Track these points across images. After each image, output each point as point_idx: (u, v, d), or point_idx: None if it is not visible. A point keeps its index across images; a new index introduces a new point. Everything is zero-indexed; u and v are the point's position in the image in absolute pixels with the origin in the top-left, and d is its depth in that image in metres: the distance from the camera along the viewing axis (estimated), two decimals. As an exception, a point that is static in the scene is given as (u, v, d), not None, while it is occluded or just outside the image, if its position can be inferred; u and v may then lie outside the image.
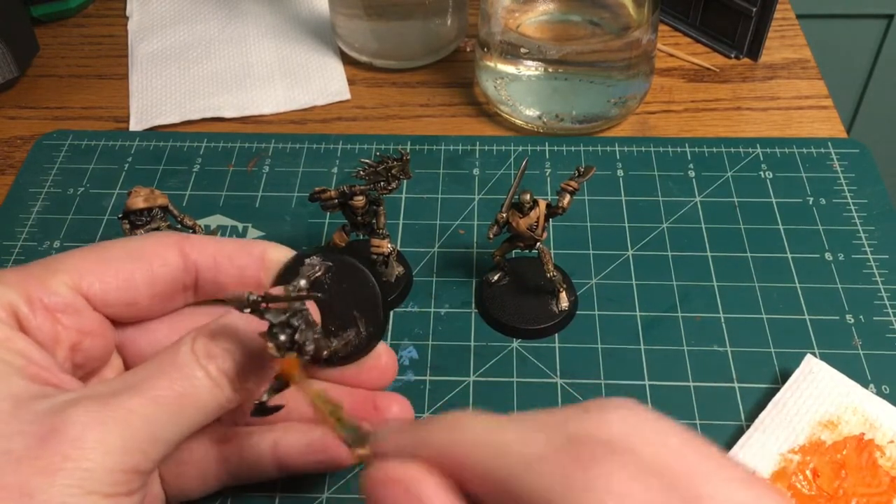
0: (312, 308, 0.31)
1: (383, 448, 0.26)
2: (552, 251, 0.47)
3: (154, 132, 0.57)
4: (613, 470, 0.20)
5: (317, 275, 0.33)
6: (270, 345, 0.28)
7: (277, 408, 0.30)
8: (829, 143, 0.54)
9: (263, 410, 0.30)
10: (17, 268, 0.30)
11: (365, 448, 0.27)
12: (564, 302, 0.44)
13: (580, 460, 0.21)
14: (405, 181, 0.43)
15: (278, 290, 0.30)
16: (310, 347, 0.29)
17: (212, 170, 0.53)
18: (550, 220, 0.42)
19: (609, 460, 0.20)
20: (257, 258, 0.33)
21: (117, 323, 0.32)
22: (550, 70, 0.53)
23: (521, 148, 0.54)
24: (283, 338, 0.28)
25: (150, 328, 0.33)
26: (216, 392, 0.29)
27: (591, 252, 0.48)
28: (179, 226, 0.44)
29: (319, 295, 0.32)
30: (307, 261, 0.33)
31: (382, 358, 0.35)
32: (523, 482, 0.21)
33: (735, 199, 0.51)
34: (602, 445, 0.21)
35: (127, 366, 0.34)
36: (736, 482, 0.21)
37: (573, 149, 0.54)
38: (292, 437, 0.34)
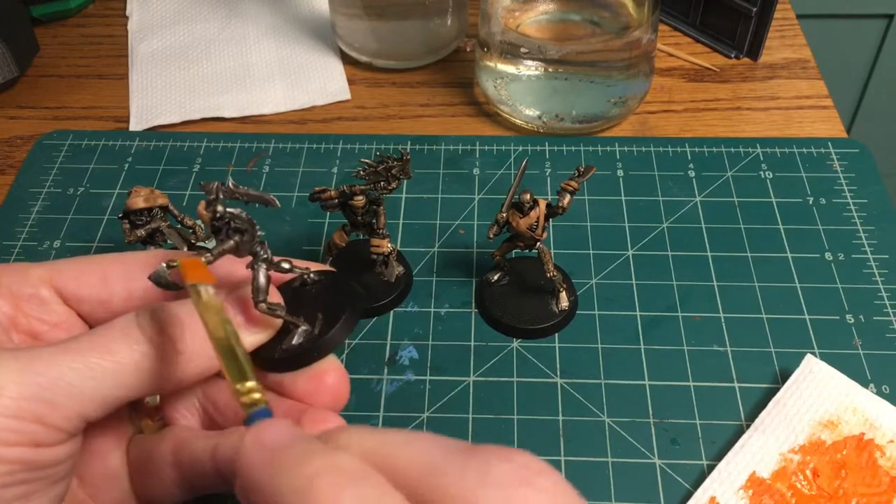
0: (274, 293, 0.31)
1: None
2: (552, 251, 0.47)
3: (154, 132, 0.57)
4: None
5: (309, 276, 0.33)
6: (201, 209, 0.28)
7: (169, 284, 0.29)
8: (829, 143, 0.54)
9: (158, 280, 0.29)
10: (9, 263, 0.31)
11: (250, 390, 0.25)
12: (564, 302, 0.44)
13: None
14: (405, 181, 0.43)
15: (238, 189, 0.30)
16: (232, 239, 0.28)
17: (212, 170, 0.53)
18: (550, 219, 0.42)
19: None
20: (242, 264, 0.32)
21: (91, 320, 0.32)
22: (550, 70, 0.53)
23: (521, 148, 0.54)
24: (218, 209, 0.28)
25: None
26: (142, 362, 0.28)
27: (591, 252, 0.48)
28: (179, 226, 0.44)
29: (278, 204, 0.31)
30: (311, 276, 0.33)
31: (329, 375, 0.31)
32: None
33: (735, 199, 0.51)
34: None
35: None
36: None
37: (573, 149, 0.54)
38: (231, 440, 0.30)
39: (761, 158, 0.53)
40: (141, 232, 0.42)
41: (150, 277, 0.29)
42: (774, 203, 0.50)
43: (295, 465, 0.22)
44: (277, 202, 0.30)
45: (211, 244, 0.48)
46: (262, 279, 0.30)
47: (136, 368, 0.28)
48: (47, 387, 0.26)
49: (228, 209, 0.28)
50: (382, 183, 0.41)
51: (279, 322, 0.31)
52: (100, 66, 0.63)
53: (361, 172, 0.41)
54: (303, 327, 0.31)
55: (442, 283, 0.46)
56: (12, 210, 0.51)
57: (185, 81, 0.61)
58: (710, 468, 0.38)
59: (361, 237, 0.45)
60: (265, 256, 0.30)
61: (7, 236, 0.49)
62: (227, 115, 0.58)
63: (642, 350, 0.43)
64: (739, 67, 0.61)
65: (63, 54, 0.64)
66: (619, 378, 0.42)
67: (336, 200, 0.42)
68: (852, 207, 0.50)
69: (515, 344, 0.44)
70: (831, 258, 0.47)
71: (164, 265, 0.29)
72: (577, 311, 0.45)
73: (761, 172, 0.52)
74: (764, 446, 0.38)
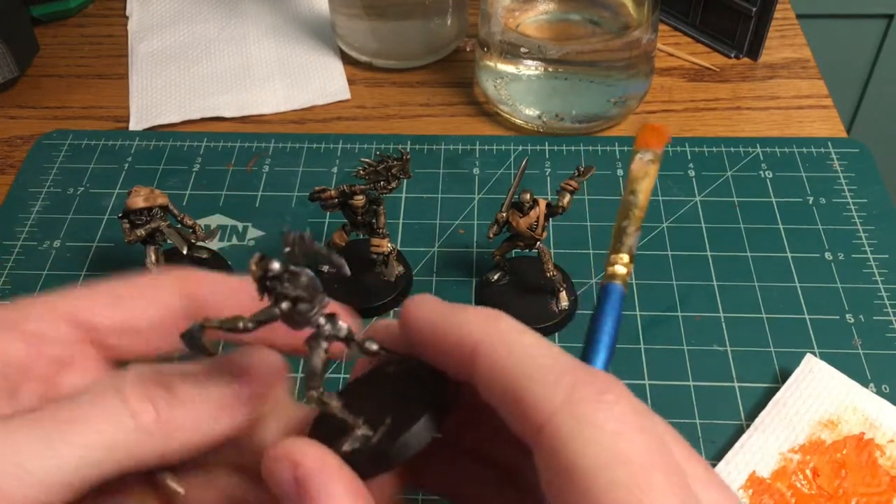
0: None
1: (414, 316, 0.24)
2: (552, 251, 0.47)
3: (154, 132, 0.57)
4: (619, 400, 0.21)
5: (395, 364, 0.27)
6: (253, 264, 0.23)
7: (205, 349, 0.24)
8: (829, 143, 0.54)
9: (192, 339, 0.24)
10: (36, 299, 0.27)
11: (618, 262, 0.26)
12: (564, 301, 0.44)
13: (590, 382, 0.21)
14: (405, 181, 0.43)
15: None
16: (277, 307, 0.23)
17: (212, 169, 0.53)
18: (550, 219, 0.42)
19: (616, 394, 0.21)
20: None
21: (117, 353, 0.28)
22: (550, 70, 0.53)
23: (520, 147, 0.54)
24: (274, 267, 0.23)
25: None
26: (143, 440, 0.23)
27: (591, 252, 0.48)
28: (179, 225, 0.44)
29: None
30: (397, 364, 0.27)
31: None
32: (529, 383, 0.22)
33: (735, 199, 0.51)
34: (613, 383, 0.22)
35: None
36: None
37: (573, 148, 0.54)
38: (201, 493, 0.26)
39: (761, 158, 0.53)
40: (141, 231, 0.42)
41: (182, 337, 0.24)
42: (774, 203, 0.50)
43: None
44: (346, 268, 0.24)
45: (211, 244, 0.48)
46: (316, 361, 0.24)
47: (109, 445, 0.23)
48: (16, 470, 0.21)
49: (292, 267, 0.23)
50: (382, 183, 0.41)
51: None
52: (100, 66, 0.63)
53: (361, 172, 0.41)
54: (360, 431, 0.24)
55: (442, 283, 0.46)
56: (12, 210, 0.51)
57: (185, 81, 0.61)
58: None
59: (361, 237, 0.45)
60: (334, 333, 0.24)
61: (7, 236, 0.49)
62: (226, 114, 0.58)
63: (642, 350, 0.43)
64: (739, 67, 0.61)
65: (63, 54, 0.64)
66: (619, 378, 0.42)
67: (336, 200, 0.42)
68: (852, 207, 0.50)
69: (515, 344, 0.44)
70: (831, 258, 0.47)
71: (199, 324, 0.24)
72: (577, 311, 0.45)
73: (761, 172, 0.52)
74: (764, 446, 0.38)
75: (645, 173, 0.28)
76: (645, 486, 0.19)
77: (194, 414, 0.24)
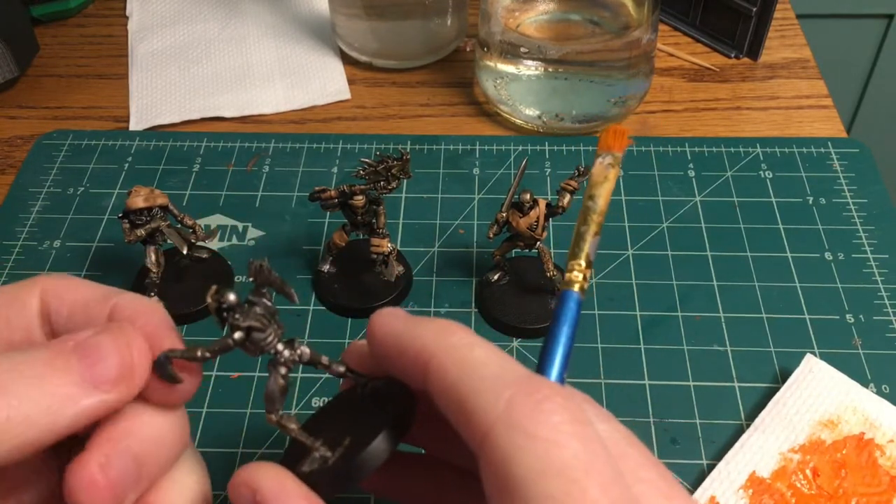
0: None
1: (378, 330, 0.25)
2: (552, 251, 0.47)
3: (154, 132, 0.57)
4: (557, 409, 0.21)
5: (365, 386, 0.27)
6: (210, 297, 0.24)
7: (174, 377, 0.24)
8: (829, 143, 0.54)
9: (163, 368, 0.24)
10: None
11: (576, 269, 0.26)
12: (564, 301, 0.44)
13: (530, 393, 0.21)
14: (405, 181, 0.43)
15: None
16: (231, 336, 0.24)
17: (212, 169, 0.53)
18: (550, 219, 0.42)
19: (556, 402, 0.21)
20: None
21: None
22: (550, 70, 0.53)
23: (520, 147, 0.54)
24: (229, 298, 0.23)
25: None
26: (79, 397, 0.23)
27: (591, 252, 0.48)
28: (179, 225, 0.44)
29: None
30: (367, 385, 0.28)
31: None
32: (473, 395, 0.22)
33: (735, 199, 0.51)
34: (555, 392, 0.22)
35: None
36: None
37: (573, 148, 0.54)
38: None
39: (761, 158, 0.53)
40: (141, 231, 0.42)
41: (153, 369, 0.24)
42: (774, 203, 0.50)
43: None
44: (295, 297, 0.25)
45: (211, 244, 0.48)
46: (274, 386, 0.25)
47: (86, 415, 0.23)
48: None
49: (251, 297, 0.24)
50: (382, 183, 0.41)
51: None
52: (100, 66, 0.63)
53: (361, 172, 0.41)
54: (318, 454, 0.25)
55: (442, 283, 0.46)
56: (12, 210, 0.51)
57: (185, 81, 0.61)
58: (710, 468, 0.38)
59: (361, 237, 0.45)
60: (293, 359, 0.25)
61: (7, 236, 0.49)
62: (226, 114, 0.58)
63: (642, 350, 0.43)
64: (739, 67, 0.61)
65: (63, 54, 0.64)
66: (619, 378, 0.42)
67: (336, 200, 0.42)
68: (852, 207, 0.50)
69: (515, 344, 0.44)
70: (831, 258, 0.47)
71: (164, 355, 0.24)
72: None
73: (761, 172, 0.52)
74: (764, 446, 0.38)
75: (605, 177, 0.27)
76: (578, 497, 0.20)
77: (28, 410, 0.22)
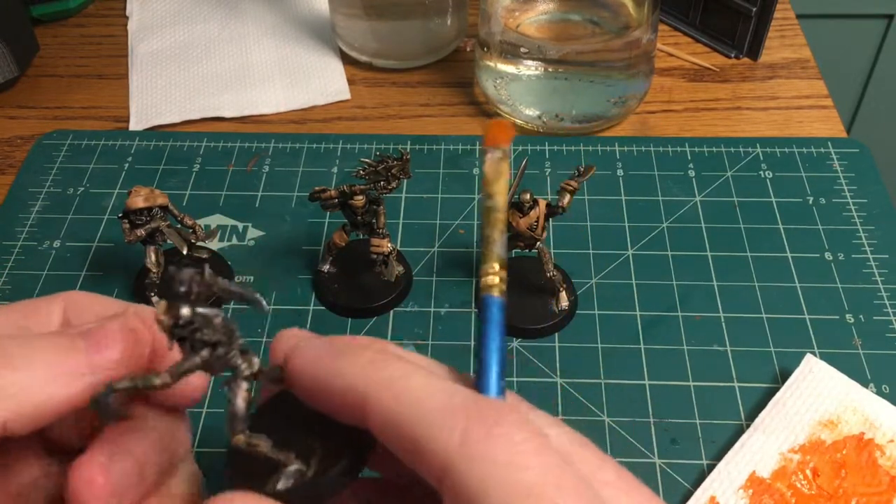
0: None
1: (292, 366, 0.23)
2: (552, 251, 0.47)
3: (154, 132, 0.57)
4: (510, 430, 0.21)
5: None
6: (160, 314, 0.21)
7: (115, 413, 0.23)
8: (829, 143, 0.54)
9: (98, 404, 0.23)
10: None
11: (491, 272, 0.24)
12: (564, 302, 0.44)
13: (481, 419, 0.21)
14: (405, 181, 0.43)
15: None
16: (198, 354, 0.22)
17: (212, 169, 0.53)
18: (550, 219, 0.42)
19: (507, 423, 0.21)
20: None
21: None
22: (550, 70, 0.53)
23: (521, 148, 0.54)
24: (183, 313, 0.21)
25: None
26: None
27: (591, 252, 0.48)
28: (179, 225, 0.44)
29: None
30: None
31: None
32: (423, 431, 0.21)
33: (735, 199, 0.51)
34: (503, 413, 0.21)
35: None
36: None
37: (573, 149, 0.54)
38: None
39: (761, 158, 0.53)
40: (141, 231, 0.42)
41: (90, 406, 0.23)
42: (774, 203, 0.50)
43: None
44: (265, 303, 0.23)
45: (211, 244, 0.48)
46: (239, 403, 0.23)
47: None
48: None
49: (200, 310, 0.21)
50: (382, 183, 0.41)
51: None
52: (100, 66, 0.63)
53: (361, 172, 0.41)
54: (293, 467, 0.23)
55: (442, 283, 0.46)
56: (12, 210, 0.51)
57: (185, 81, 0.61)
58: (710, 468, 0.38)
59: (361, 237, 0.45)
60: (248, 372, 0.23)
61: (7, 236, 0.49)
62: (226, 114, 0.58)
63: (642, 350, 0.43)
64: (739, 67, 0.61)
65: (63, 54, 0.64)
66: (619, 378, 0.42)
67: (336, 200, 0.42)
68: (852, 207, 0.50)
69: (515, 344, 0.44)
70: (831, 258, 0.47)
71: (109, 387, 0.23)
72: (577, 311, 0.45)
73: (761, 172, 0.52)
74: (764, 446, 0.38)
75: (499, 173, 0.26)
76: None
77: (25, 381, 0.22)
